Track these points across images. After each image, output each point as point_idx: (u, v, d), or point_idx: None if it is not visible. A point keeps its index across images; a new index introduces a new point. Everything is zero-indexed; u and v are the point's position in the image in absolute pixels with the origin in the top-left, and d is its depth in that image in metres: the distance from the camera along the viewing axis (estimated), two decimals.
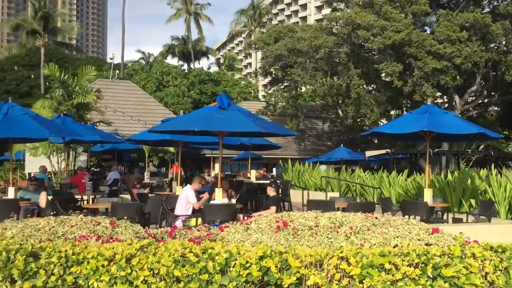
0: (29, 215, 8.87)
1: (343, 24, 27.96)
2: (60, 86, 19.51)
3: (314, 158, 25.59)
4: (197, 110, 9.83)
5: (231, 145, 15.65)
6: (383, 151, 24.40)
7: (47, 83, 33.65)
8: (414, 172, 16.98)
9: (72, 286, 4.55)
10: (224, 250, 4.35)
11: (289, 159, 22.88)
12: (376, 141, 30.71)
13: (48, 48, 44.26)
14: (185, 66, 55.35)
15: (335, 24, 29.53)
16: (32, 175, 19.74)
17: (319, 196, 14.92)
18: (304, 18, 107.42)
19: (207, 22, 58.49)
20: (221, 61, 67.18)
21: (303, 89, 36.70)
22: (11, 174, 11.41)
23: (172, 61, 71.78)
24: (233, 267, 4.18)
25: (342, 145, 24.74)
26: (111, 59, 38.71)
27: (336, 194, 15.34)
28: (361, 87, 28.06)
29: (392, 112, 34.66)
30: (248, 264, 4.16)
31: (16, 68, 44.31)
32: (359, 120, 31.08)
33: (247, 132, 9.81)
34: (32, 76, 42.22)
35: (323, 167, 21.69)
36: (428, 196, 10.21)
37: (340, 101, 31.45)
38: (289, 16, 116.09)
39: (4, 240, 5.06)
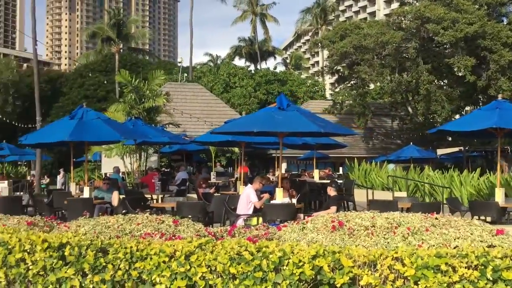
0: (101, 213, 9.45)
1: (411, 18, 27.09)
2: (132, 90, 20.43)
3: (383, 157, 25.03)
4: (257, 112, 9.97)
5: (294, 145, 15.66)
6: (456, 149, 23.39)
7: (121, 88, 35.40)
8: (488, 171, 16.14)
9: (137, 280, 4.84)
10: (278, 249, 4.43)
11: (356, 158, 22.53)
12: (450, 139, 29.48)
13: (122, 54, 46.47)
14: (252, 67, 56.02)
15: (403, 18, 28.68)
16: (107, 175, 20.91)
17: (385, 196, 14.58)
18: (372, 14, 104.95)
19: (273, 22, 58.79)
20: (288, 60, 67.26)
21: (371, 86, 35.95)
22: (86, 174, 12.14)
23: (239, 62, 72.84)
24: (286, 266, 4.26)
25: (412, 143, 24.01)
26: (179, 62, 39.99)
27: (403, 194, 14.92)
28: (431, 83, 27.05)
29: (468, 108, 33.08)
30: (301, 263, 4.22)
31: (90, 74, 46.93)
32: (430, 117, 29.98)
33: (307, 132, 9.81)
34: (105, 82, 44.48)
35: (390, 166, 21.16)
36: (499, 195, 9.73)
37: (409, 98, 30.51)
38: (356, 12, 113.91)
39: (77, 236, 5.46)
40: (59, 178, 27.27)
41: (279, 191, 8.79)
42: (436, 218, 5.30)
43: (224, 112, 30.30)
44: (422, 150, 23.07)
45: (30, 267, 5.24)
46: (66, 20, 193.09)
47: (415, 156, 22.12)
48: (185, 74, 38.93)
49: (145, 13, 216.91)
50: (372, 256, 4.16)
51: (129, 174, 20.46)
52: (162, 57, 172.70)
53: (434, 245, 4.73)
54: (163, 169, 23.51)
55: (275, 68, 53.45)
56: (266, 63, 62.57)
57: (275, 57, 64.06)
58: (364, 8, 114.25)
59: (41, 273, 5.18)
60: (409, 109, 30.74)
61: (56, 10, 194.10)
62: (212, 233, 5.84)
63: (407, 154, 22.40)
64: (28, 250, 5.33)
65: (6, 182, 13.86)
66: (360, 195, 14.63)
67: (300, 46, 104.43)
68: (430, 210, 6.40)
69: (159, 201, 13.20)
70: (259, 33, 57.98)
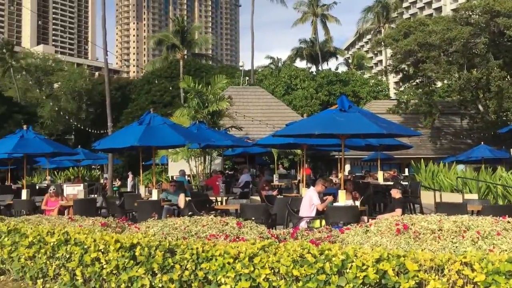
0: (168, 215, 9.79)
1: (480, 13, 25.88)
2: (195, 96, 20.96)
3: (451, 158, 24.05)
4: (318, 114, 9.93)
5: (358, 146, 15.42)
6: None
7: (185, 93, 36.40)
8: None
9: (203, 281, 4.99)
10: (341, 252, 4.42)
11: (423, 159, 21.80)
12: None
13: (186, 60, 47.77)
14: (313, 68, 55.74)
15: (471, 13, 27.46)
16: (174, 177, 21.57)
17: (454, 198, 14.02)
18: (438, 9, 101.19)
19: (334, 23, 58.19)
20: (350, 60, 66.29)
21: (438, 84, 34.64)
22: (154, 177, 12.61)
23: (300, 64, 72.53)
24: (349, 269, 4.24)
25: (483, 142, 22.91)
26: (241, 66, 40.51)
27: (474, 196, 14.26)
28: (503, 79, 25.68)
29: None
30: (365, 267, 4.18)
31: (157, 81, 48.59)
32: (502, 115, 28.45)
33: (369, 133, 9.65)
34: (171, 88, 45.89)
35: (460, 167, 20.28)
36: None
37: (480, 96, 29.11)
38: (421, 9, 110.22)
39: (146, 237, 5.71)
40: (129, 181, 28.51)
41: (342, 193, 8.71)
42: (509, 222, 5.07)
43: (286, 114, 30.35)
44: (494, 150, 21.94)
45: (104, 266, 5.53)
46: (133, 29, 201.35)
47: (486, 156, 21.08)
48: (247, 78, 39.39)
49: (207, 19, 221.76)
50: (439, 260, 4.05)
51: (194, 176, 20.98)
52: (224, 61, 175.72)
53: (506, 250, 4.52)
54: (226, 171, 23.92)
55: (336, 68, 52.86)
56: (327, 64, 62.06)
57: (336, 58, 63.37)
58: (429, 4, 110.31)
59: (114, 272, 5.46)
60: (480, 107, 29.35)
61: (125, 20, 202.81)
62: (275, 236, 5.91)
63: (478, 155, 21.40)
64: (102, 250, 5.63)
65: (81, 185, 14.66)
66: (427, 198, 14.17)
67: (362, 46, 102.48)
68: (502, 213, 6.12)
69: (223, 203, 13.47)
70: (320, 34, 57.61)
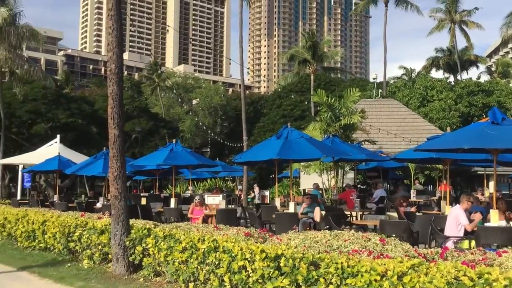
0: (307, 228, 9.88)
1: None
2: (327, 109, 20.98)
3: None
4: (466, 127, 9.26)
5: (509, 162, 14.07)
6: None
7: (316, 107, 36.61)
8: None
9: None
10: (503, 276, 4.09)
11: None
12: None
13: (317, 74, 48.14)
14: (451, 78, 52.40)
15: None
16: (306, 191, 21.74)
17: None
18: None
19: (475, 29, 54.18)
20: (493, 68, 61.09)
21: None
22: (291, 190, 12.84)
23: (436, 74, 68.78)
24: None
25: None
26: (373, 78, 39.63)
27: None
28: None
29: None
30: None
31: (293, 96, 49.69)
32: None
33: None
34: (306, 102, 46.53)
35: None
36: None
37: None
38: None
39: (290, 249, 5.84)
40: (256, 193, 29.37)
41: (494, 213, 8.01)
42: None
43: (422, 127, 28.94)
44: None
45: (250, 275, 5.77)
46: (265, 46, 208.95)
47: None
48: (379, 90, 38.38)
49: (336, 32, 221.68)
50: None
51: (327, 190, 20.92)
52: (354, 73, 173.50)
53: None
54: (359, 186, 23.47)
55: (478, 77, 49.05)
56: (467, 73, 57.87)
57: (477, 66, 58.80)
58: None
59: (259, 281, 5.66)
60: None
61: (256, 38, 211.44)
62: (423, 255, 5.64)
63: None
64: (248, 259, 5.88)
65: (220, 195, 15.50)
66: None
67: (507, 52, 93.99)
68: None
69: (358, 218, 13.22)
70: (458, 41, 54.08)
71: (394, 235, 7.42)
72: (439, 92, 37.43)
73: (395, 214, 12.68)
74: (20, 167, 26.28)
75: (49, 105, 42.51)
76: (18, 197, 25.71)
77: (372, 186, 22.12)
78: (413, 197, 17.15)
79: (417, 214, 11.81)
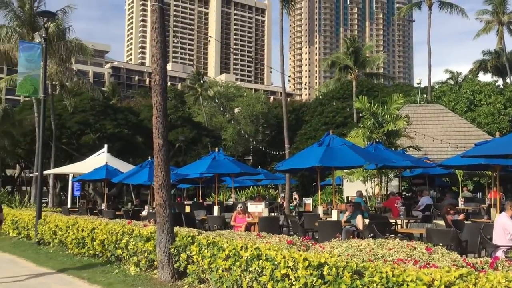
0: (351, 236, 9.76)
1: None
2: (370, 116, 20.70)
3: None
4: None
5: None
6: None
7: (358, 114, 36.16)
8: None
9: None
10: None
11: None
12: None
13: (359, 80, 47.59)
14: (500, 81, 50.57)
15: None
16: (349, 198, 21.48)
17: None
18: None
19: None
20: None
21: None
22: (334, 198, 12.73)
23: (484, 77, 66.44)
24: None
25: None
26: (418, 83, 38.74)
27: None
28: None
29: None
30: None
31: (334, 103, 49.33)
32: None
33: None
34: (348, 108, 46.10)
35: None
36: None
37: None
38: None
39: (333, 257, 5.79)
40: (296, 201, 29.22)
41: None
42: None
43: (470, 132, 28.05)
44: None
45: (293, 283, 5.75)
46: (306, 53, 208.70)
47: None
48: (424, 95, 37.51)
49: (379, 37, 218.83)
50: None
51: (370, 198, 20.60)
52: (397, 79, 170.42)
53: None
54: (404, 193, 22.98)
55: None
56: None
57: None
58: None
59: None
60: None
61: (297, 46, 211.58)
62: (471, 264, 5.47)
63: None
64: (291, 267, 5.87)
65: (263, 203, 15.54)
66: None
67: None
68: None
69: (403, 226, 12.94)
70: (507, 43, 52.16)
71: (441, 244, 7.23)
72: (487, 96, 36.21)
73: (442, 223, 12.33)
74: (70, 176, 27.27)
75: (97, 116, 44.02)
76: (69, 205, 26.67)
77: (418, 193, 21.60)
78: (461, 205, 16.62)
79: (465, 222, 11.46)
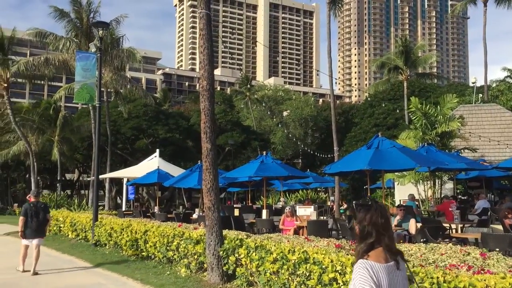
0: (401, 241, 9.54)
1: None
2: (422, 117, 20.13)
3: None
4: None
5: None
6: None
7: (410, 115, 35.31)
8: None
9: None
10: None
11: None
12: None
13: (410, 81, 46.41)
14: None
15: None
16: (401, 202, 20.96)
17: None
18: None
19: None
20: None
21: None
22: (384, 201, 12.48)
23: None
24: None
25: None
26: (473, 83, 37.33)
27: None
28: None
29: None
30: None
31: (384, 105, 48.40)
32: None
33: None
34: (398, 110, 45.12)
35: None
36: None
37: None
38: None
39: None
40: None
41: None
42: None
43: None
44: None
45: (342, 287, 5.71)
46: (355, 54, 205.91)
47: None
48: (480, 95, 36.10)
49: (431, 36, 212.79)
50: None
51: (423, 201, 20.02)
52: (451, 78, 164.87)
53: None
54: (459, 196, 22.18)
55: None
56: None
57: None
58: None
59: None
60: None
61: (346, 47, 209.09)
62: None
63: None
64: (339, 271, 5.83)
65: (312, 207, 15.45)
66: None
67: None
68: None
69: (458, 230, 12.51)
70: None
71: (497, 250, 6.96)
72: None
73: (500, 227, 11.83)
74: (125, 180, 28.18)
75: (150, 121, 45.32)
76: (123, 208, 27.56)
77: (474, 196, 20.78)
78: None
79: None
